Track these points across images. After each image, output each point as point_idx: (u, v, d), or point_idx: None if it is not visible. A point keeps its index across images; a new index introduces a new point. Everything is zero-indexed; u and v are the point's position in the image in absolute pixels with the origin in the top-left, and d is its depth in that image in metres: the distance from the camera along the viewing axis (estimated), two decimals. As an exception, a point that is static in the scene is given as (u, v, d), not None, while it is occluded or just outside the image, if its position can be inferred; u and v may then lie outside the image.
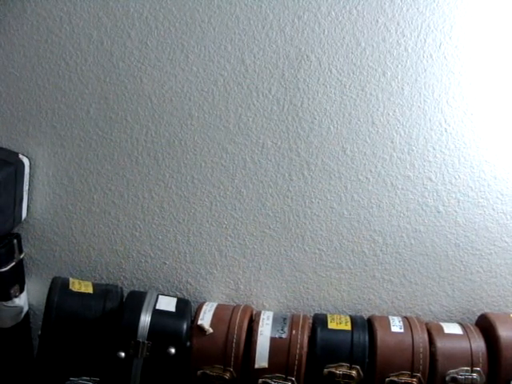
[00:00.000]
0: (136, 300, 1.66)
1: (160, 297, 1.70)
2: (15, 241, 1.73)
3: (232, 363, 1.61)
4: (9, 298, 1.71)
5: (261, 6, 1.70)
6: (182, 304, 1.70)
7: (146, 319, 1.60)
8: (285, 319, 1.68)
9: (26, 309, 1.78)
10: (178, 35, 1.72)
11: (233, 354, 1.62)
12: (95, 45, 1.74)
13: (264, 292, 1.83)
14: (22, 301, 1.75)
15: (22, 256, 1.77)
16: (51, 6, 1.72)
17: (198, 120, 1.76)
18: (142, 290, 1.80)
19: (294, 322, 1.67)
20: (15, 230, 1.77)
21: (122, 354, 1.58)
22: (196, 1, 1.71)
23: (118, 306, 1.67)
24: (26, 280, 1.80)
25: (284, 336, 1.63)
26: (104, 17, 1.72)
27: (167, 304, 1.68)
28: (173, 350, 1.59)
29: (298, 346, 1.61)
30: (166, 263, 1.83)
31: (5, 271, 1.68)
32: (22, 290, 1.76)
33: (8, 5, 1.72)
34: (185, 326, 1.62)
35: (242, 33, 1.71)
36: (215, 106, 1.75)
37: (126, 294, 1.71)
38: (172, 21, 1.72)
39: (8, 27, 1.73)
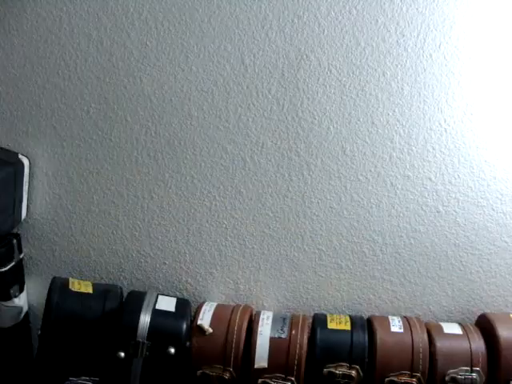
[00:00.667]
0: (136, 300, 1.66)
1: (160, 297, 1.70)
2: (15, 241, 1.73)
3: (232, 363, 1.61)
4: (8, 297, 1.71)
5: (260, 6, 1.70)
6: (182, 304, 1.70)
7: (145, 319, 1.60)
8: (284, 319, 1.68)
9: (25, 309, 1.78)
10: (177, 35, 1.72)
11: (232, 354, 1.61)
12: (95, 45, 1.74)
13: (264, 292, 1.82)
14: (21, 301, 1.75)
15: (21, 256, 1.77)
16: (51, 5, 1.72)
17: (197, 120, 1.76)
18: (141, 289, 1.80)
19: (293, 321, 1.67)
20: (15, 230, 1.77)
21: (122, 354, 1.57)
22: (196, 1, 1.71)
23: (117, 306, 1.67)
24: (26, 280, 1.80)
25: (284, 336, 1.63)
26: (104, 17, 1.72)
27: (167, 304, 1.68)
28: (172, 350, 1.59)
29: (298, 345, 1.61)
30: (165, 263, 1.83)
31: (4, 271, 1.68)
32: (21, 290, 1.76)
33: (8, 5, 1.72)
34: (184, 326, 1.62)
35: (242, 33, 1.71)
36: (215, 105, 1.75)
37: (125, 294, 1.71)
38: (172, 21, 1.72)
39: (8, 27, 1.73)
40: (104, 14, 1.72)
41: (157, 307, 1.65)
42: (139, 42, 1.73)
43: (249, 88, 1.73)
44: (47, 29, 1.73)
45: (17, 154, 1.75)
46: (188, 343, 1.62)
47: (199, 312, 1.70)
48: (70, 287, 1.67)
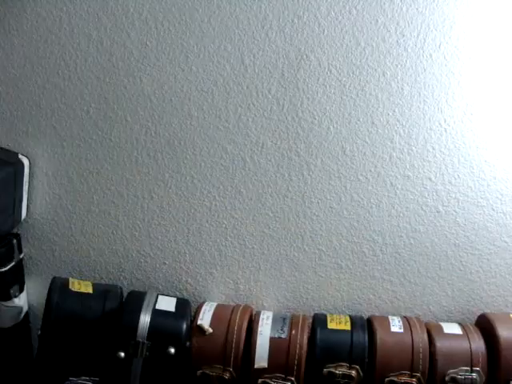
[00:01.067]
0: (136, 300, 1.66)
1: (160, 297, 1.70)
2: (15, 241, 1.73)
3: (231, 363, 1.61)
4: (8, 297, 1.71)
5: (260, 6, 1.70)
6: (182, 304, 1.70)
7: (145, 319, 1.60)
8: (284, 319, 1.68)
9: (25, 309, 1.78)
10: (177, 35, 1.72)
11: (232, 354, 1.62)
12: (95, 45, 1.74)
13: (263, 292, 1.82)
14: (21, 301, 1.75)
15: (21, 256, 1.77)
16: (51, 5, 1.72)
17: (197, 120, 1.76)
18: (141, 289, 1.79)
19: (293, 321, 1.67)
20: (15, 230, 1.77)
21: (122, 354, 1.57)
22: (196, 1, 1.71)
23: (117, 306, 1.67)
24: (26, 280, 1.80)
25: (283, 336, 1.63)
26: (104, 17, 1.72)
27: (167, 304, 1.68)
28: (172, 350, 1.59)
29: (298, 345, 1.61)
30: (165, 263, 1.83)
31: (4, 271, 1.68)
32: (21, 290, 1.76)
33: (8, 5, 1.72)
34: (184, 326, 1.62)
35: (242, 33, 1.71)
36: (215, 105, 1.75)
37: (125, 294, 1.71)
38: (172, 21, 1.72)
39: (8, 27, 1.73)
40: (104, 14, 1.72)
41: (157, 307, 1.65)
42: (139, 42, 1.73)
43: (249, 88, 1.73)
44: (47, 29, 1.73)
45: (17, 153, 1.75)
46: (188, 343, 1.62)
47: (199, 312, 1.70)
48: (70, 287, 1.67)
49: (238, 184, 1.78)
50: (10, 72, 1.76)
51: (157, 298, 1.69)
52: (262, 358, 1.61)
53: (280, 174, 1.77)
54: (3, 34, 1.74)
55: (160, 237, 1.82)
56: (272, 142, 1.75)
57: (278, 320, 1.68)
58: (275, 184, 1.77)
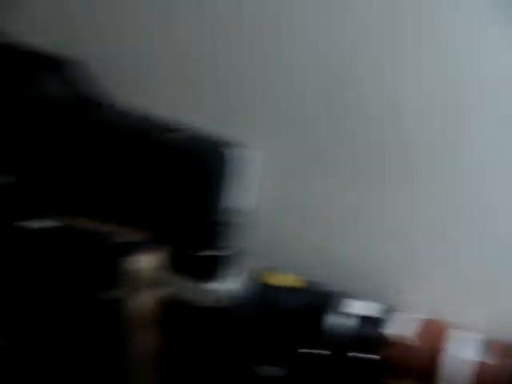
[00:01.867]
0: (335, 301, 1.67)
1: (358, 301, 1.68)
2: (226, 229, 1.78)
3: (427, 380, 1.54)
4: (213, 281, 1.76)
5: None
6: (383, 311, 1.67)
7: (341, 321, 1.61)
8: (489, 343, 1.56)
9: (229, 294, 1.83)
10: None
11: (429, 371, 1.54)
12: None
13: (472, 311, 1.67)
14: (229, 285, 1.81)
15: (235, 245, 1.83)
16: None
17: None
18: (343, 291, 1.74)
19: (498, 347, 1.55)
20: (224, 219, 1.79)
21: (310, 351, 1.60)
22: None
23: (317, 304, 1.67)
24: (236, 268, 1.85)
25: (486, 360, 1.51)
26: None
27: (366, 309, 1.66)
28: (362, 356, 1.58)
29: (503, 372, 1.50)
30: (372, 269, 1.78)
31: (219, 256, 1.75)
32: (230, 276, 1.82)
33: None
34: (381, 334, 1.60)
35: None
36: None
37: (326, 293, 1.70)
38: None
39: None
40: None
41: (355, 311, 1.65)
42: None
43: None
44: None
45: (227, 144, 1.76)
46: (380, 352, 1.58)
47: (399, 322, 1.63)
48: (270, 280, 1.73)
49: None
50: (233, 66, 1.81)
51: (355, 301, 1.68)
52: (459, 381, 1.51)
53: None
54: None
55: (368, 245, 1.78)
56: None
57: (482, 343, 1.56)
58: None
